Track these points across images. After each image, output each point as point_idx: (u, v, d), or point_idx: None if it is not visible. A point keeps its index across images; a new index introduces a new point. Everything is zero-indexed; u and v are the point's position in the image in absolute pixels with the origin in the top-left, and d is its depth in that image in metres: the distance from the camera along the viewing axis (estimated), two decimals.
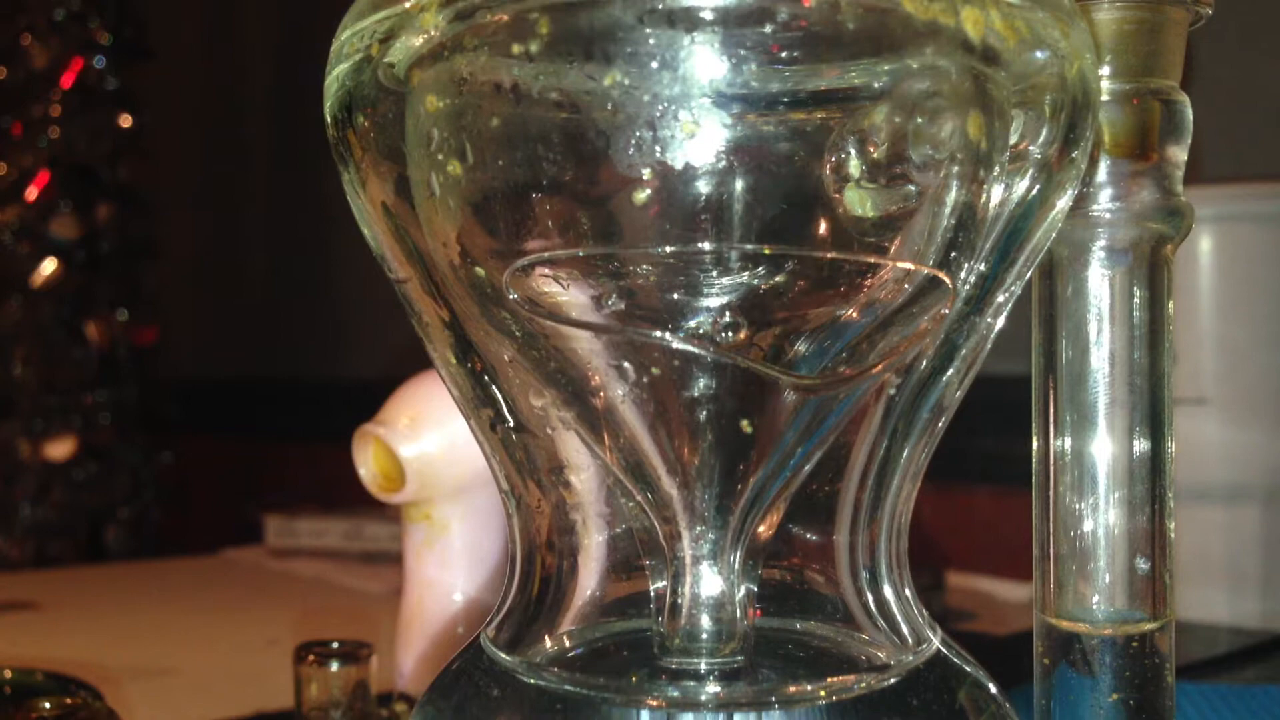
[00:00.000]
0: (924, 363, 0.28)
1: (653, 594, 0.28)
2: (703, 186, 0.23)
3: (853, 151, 0.24)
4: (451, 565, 0.49)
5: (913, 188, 0.25)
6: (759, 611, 0.29)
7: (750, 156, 0.24)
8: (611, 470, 0.28)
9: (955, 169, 0.25)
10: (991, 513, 1.05)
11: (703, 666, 0.27)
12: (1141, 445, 0.32)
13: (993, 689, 0.29)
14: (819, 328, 0.26)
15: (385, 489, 0.49)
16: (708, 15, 0.23)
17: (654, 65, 0.23)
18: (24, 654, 0.65)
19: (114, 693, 0.52)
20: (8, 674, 0.52)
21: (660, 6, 0.23)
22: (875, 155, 0.24)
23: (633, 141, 0.23)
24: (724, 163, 0.23)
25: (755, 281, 0.25)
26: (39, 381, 1.87)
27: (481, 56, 0.24)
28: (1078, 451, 0.32)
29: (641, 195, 0.24)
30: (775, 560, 0.29)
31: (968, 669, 0.29)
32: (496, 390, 0.28)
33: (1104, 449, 0.32)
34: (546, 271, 0.25)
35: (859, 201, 0.24)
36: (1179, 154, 0.32)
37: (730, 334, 0.25)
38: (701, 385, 0.26)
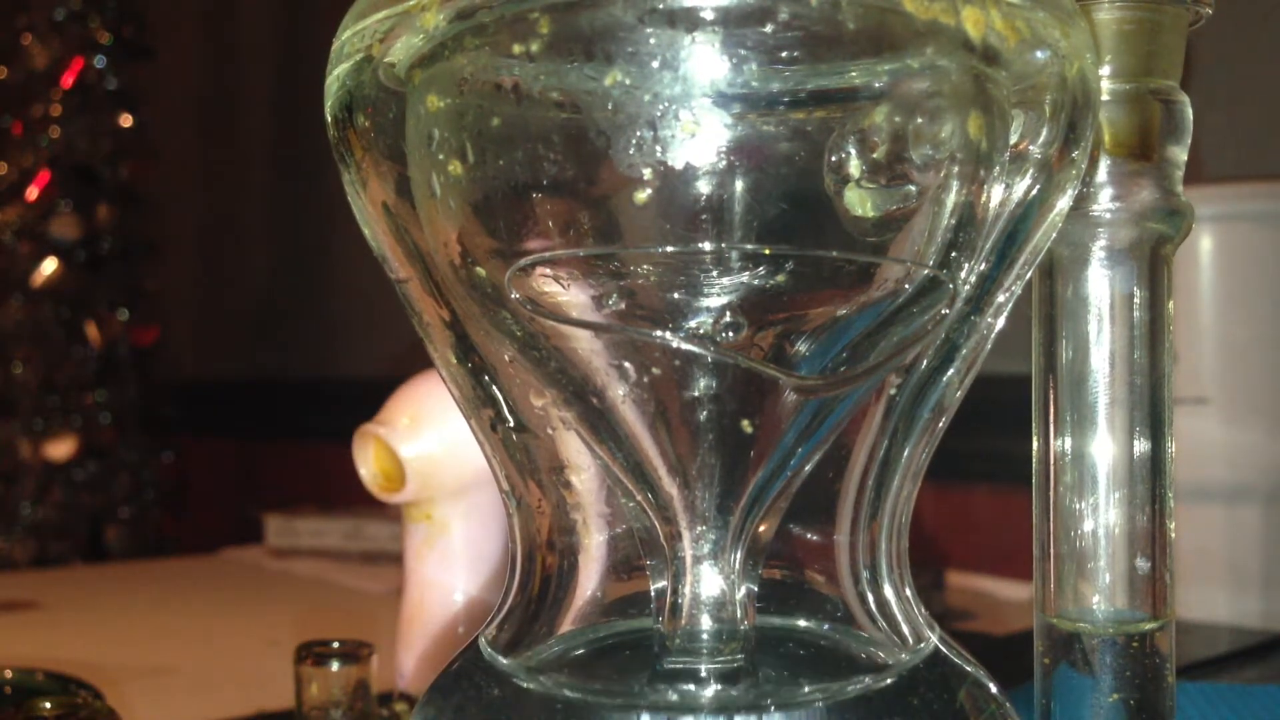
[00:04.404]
0: (924, 363, 0.28)
1: (653, 594, 0.28)
2: (703, 186, 0.23)
3: (853, 151, 0.24)
4: (452, 565, 0.49)
5: (913, 188, 0.25)
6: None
7: (751, 156, 0.24)
8: (612, 470, 0.28)
9: (955, 169, 0.25)
10: (991, 512, 1.05)
11: (702, 669, 0.27)
12: (1142, 445, 0.32)
13: (993, 689, 0.29)
14: (819, 328, 0.26)
15: (386, 489, 0.49)
16: (708, 15, 0.23)
17: (655, 65, 0.23)
18: (24, 654, 0.65)
19: (114, 693, 0.52)
20: (8, 674, 0.52)
21: (661, 6, 0.23)
22: (875, 155, 0.24)
23: (633, 141, 0.23)
24: (724, 163, 0.23)
25: (756, 281, 0.25)
26: (39, 381, 1.87)
27: (482, 56, 0.24)
28: (1078, 451, 0.32)
29: (642, 195, 0.24)
30: (776, 560, 0.29)
31: (968, 669, 0.29)
32: (497, 390, 0.28)
33: (1104, 449, 0.32)
34: (547, 271, 0.25)
35: (859, 201, 0.24)
36: (1179, 154, 0.32)
37: (731, 334, 0.25)
38: (702, 385, 0.26)
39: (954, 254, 0.26)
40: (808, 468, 0.28)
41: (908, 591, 0.29)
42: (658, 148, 0.23)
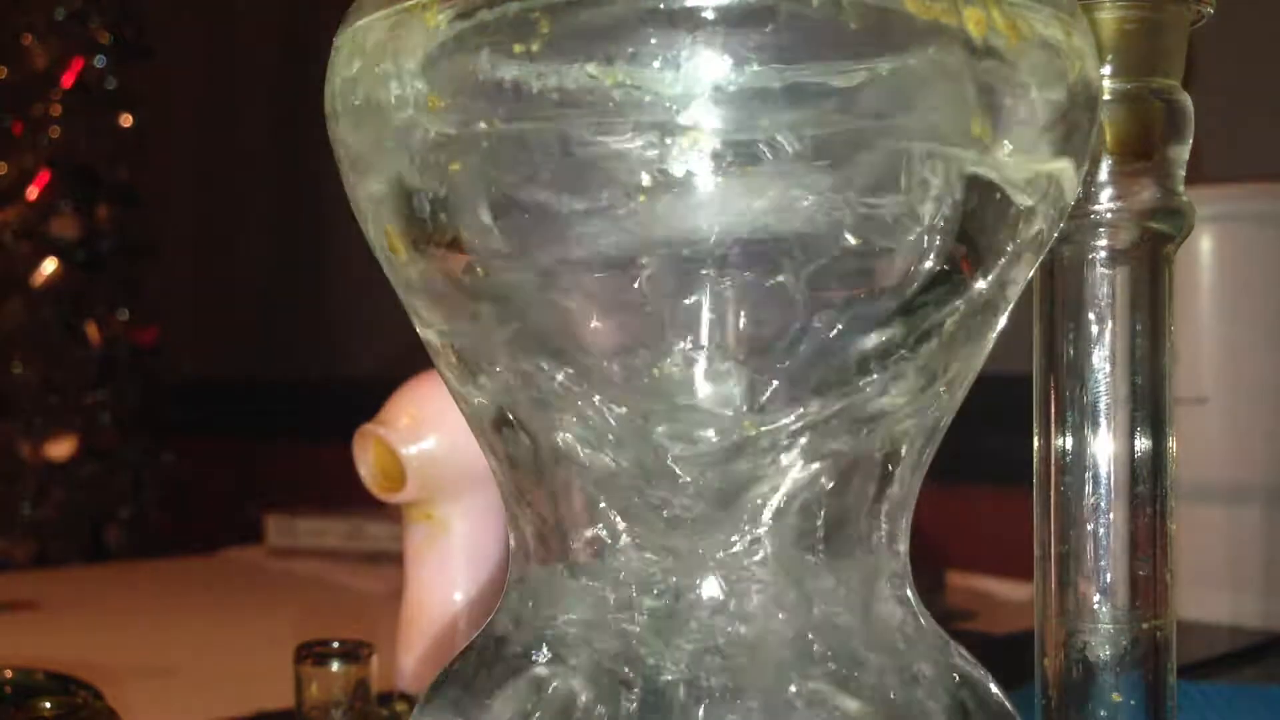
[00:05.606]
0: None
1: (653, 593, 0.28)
2: (703, 186, 0.23)
3: None
4: (452, 565, 0.49)
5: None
6: None
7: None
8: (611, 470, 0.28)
9: None
10: (992, 513, 1.05)
11: None
12: (1142, 444, 0.32)
13: (993, 689, 0.29)
14: (820, 328, 0.26)
15: (386, 489, 0.49)
16: (709, 15, 0.23)
17: (655, 65, 0.23)
18: (25, 654, 0.65)
19: (114, 693, 0.52)
20: (8, 674, 0.52)
21: (661, 6, 0.23)
22: None
23: (634, 141, 0.23)
24: (725, 162, 0.23)
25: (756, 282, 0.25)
26: (39, 381, 1.87)
27: (482, 56, 0.24)
28: (1079, 451, 0.32)
29: (642, 195, 0.24)
30: None
31: (968, 669, 0.29)
32: None
33: (1105, 448, 0.32)
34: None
35: None
36: (1180, 153, 0.32)
37: (730, 334, 0.25)
38: (701, 385, 0.26)
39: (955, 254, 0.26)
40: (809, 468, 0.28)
41: (908, 592, 0.29)
42: (658, 148, 0.23)
